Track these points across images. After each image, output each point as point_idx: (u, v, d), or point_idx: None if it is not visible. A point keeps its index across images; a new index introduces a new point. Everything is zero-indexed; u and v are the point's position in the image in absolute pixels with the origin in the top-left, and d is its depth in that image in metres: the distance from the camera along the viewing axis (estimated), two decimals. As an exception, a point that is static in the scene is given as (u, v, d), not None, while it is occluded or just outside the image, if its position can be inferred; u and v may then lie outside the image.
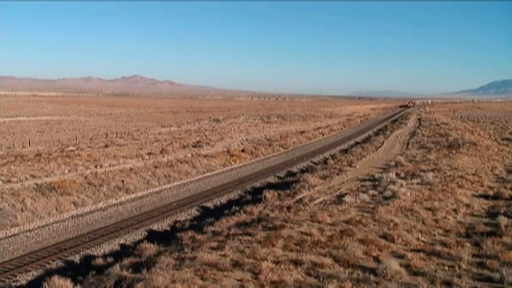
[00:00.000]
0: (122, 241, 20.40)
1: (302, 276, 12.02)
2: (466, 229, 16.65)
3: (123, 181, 29.73)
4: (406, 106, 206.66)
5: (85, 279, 13.79)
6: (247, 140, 54.49)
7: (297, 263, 12.80)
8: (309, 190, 24.56)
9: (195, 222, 22.33)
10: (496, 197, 21.98)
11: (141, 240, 19.51)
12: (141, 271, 12.60)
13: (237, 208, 22.75)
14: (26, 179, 27.67)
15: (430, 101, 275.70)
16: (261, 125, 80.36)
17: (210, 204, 26.96)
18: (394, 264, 12.51)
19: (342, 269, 12.44)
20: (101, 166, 32.81)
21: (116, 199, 26.82)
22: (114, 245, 19.95)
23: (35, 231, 20.82)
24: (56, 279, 13.23)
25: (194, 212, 25.46)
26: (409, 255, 13.68)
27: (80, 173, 29.89)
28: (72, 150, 41.64)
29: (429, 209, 19.13)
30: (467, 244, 14.85)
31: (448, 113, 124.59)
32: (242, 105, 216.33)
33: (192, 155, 40.15)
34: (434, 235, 15.97)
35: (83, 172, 30.30)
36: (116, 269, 13.87)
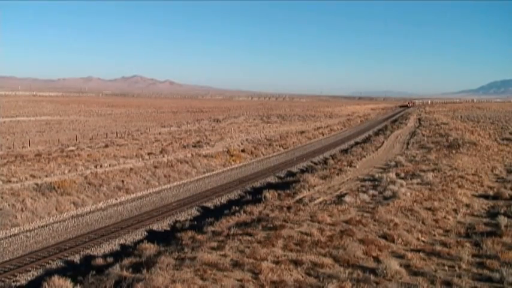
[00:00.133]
0: (122, 241, 20.40)
1: (302, 276, 12.02)
2: (466, 229, 16.65)
3: (123, 181, 29.73)
4: (406, 106, 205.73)
5: (85, 279, 13.79)
6: (247, 140, 54.49)
7: (297, 263, 12.80)
8: (309, 190, 24.56)
9: (195, 222, 22.33)
10: (496, 197, 21.98)
11: (141, 240, 19.51)
12: (141, 271, 12.59)
13: (237, 208, 22.75)
14: (26, 179, 27.67)
15: (429, 101, 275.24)
16: (261, 125, 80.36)
17: (210, 204, 26.96)
18: (394, 264, 12.51)
19: (342, 269, 12.43)
20: (101, 166, 32.81)
21: (116, 199, 26.82)
22: (114, 245, 19.95)
23: (35, 231, 20.82)
24: (56, 279, 13.24)
25: (194, 212, 25.47)
26: (409, 255, 13.68)
27: (80, 173, 29.89)
28: (72, 150, 41.64)
29: (429, 209, 19.13)
30: (467, 244, 14.85)
31: (448, 113, 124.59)
32: (242, 105, 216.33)
33: (192, 155, 40.15)
34: (434, 235, 15.97)
35: (83, 172, 30.31)
36: (116, 269, 13.87)
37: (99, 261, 17.17)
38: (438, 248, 14.34)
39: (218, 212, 23.95)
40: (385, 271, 12.16)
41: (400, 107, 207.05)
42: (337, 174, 29.58)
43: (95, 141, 52.74)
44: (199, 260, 13.05)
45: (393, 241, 15.01)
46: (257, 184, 32.58)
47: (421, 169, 29.18)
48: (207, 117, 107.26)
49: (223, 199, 28.23)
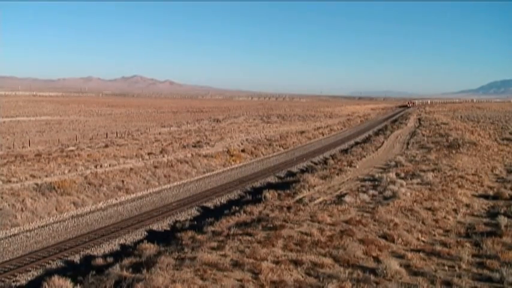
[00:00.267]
0: (122, 241, 20.40)
1: (302, 276, 12.02)
2: (466, 229, 16.65)
3: (123, 181, 29.73)
4: (406, 106, 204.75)
5: (85, 279, 13.79)
6: (247, 140, 54.49)
7: (297, 263, 12.80)
8: (309, 190, 24.56)
9: (195, 222, 22.33)
10: (496, 197, 21.98)
11: (141, 240, 19.51)
12: (141, 271, 12.59)
13: (237, 208, 22.75)
14: (26, 179, 27.67)
15: (429, 101, 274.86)
16: (261, 125, 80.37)
17: (210, 204, 26.96)
18: (394, 264, 12.51)
19: (342, 269, 12.43)
20: (101, 166, 32.81)
21: (116, 199, 26.82)
22: (114, 245, 19.95)
23: (35, 231, 20.82)
24: (56, 279, 13.23)
25: (194, 212, 25.47)
26: (409, 255, 13.68)
27: (80, 173, 29.89)
28: (72, 150, 41.64)
29: (429, 209, 19.13)
30: (467, 244, 14.85)
31: (448, 113, 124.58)
32: (242, 105, 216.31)
33: (192, 155, 40.15)
34: (434, 235, 15.97)
35: (83, 172, 30.31)
36: (116, 269, 13.87)
37: (99, 261, 17.17)
38: (438, 248, 14.33)
39: (218, 212, 23.95)
40: (385, 271, 12.16)
41: (399, 107, 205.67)
42: (337, 174, 29.58)
43: (95, 141, 52.75)
44: (199, 260, 13.05)
45: (393, 241, 15.01)
46: (257, 184, 32.58)
47: (421, 169, 29.18)
48: (207, 117, 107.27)
49: (223, 199, 28.23)
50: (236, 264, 12.69)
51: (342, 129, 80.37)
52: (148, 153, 39.84)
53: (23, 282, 16.11)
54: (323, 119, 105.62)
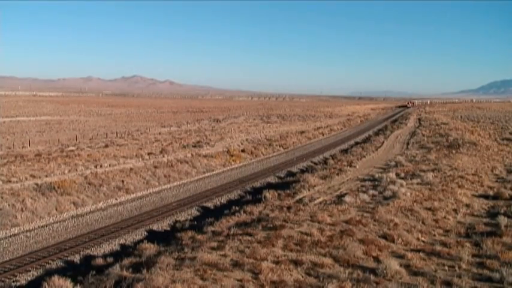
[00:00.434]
0: (122, 241, 20.40)
1: (302, 276, 12.02)
2: (466, 229, 16.65)
3: (123, 181, 29.73)
4: (405, 106, 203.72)
5: (85, 279, 13.79)
6: (247, 140, 54.49)
7: (297, 263, 12.80)
8: (309, 190, 24.56)
9: (195, 222, 22.33)
10: (496, 197, 21.98)
11: (141, 240, 19.51)
12: (141, 271, 12.59)
13: (237, 208, 22.76)
14: (26, 179, 27.67)
15: (429, 101, 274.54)
16: (261, 125, 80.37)
17: (210, 204, 26.96)
18: (394, 264, 12.51)
19: (342, 269, 12.43)
20: (101, 166, 32.81)
21: (116, 199, 26.82)
22: (114, 245, 19.96)
23: (35, 231, 20.82)
24: (56, 279, 13.23)
25: (194, 212, 25.47)
26: (409, 255, 13.68)
27: (80, 173, 29.89)
28: (72, 150, 41.64)
29: (429, 209, 19.13)
30: (467, 244, 14.84)
31: (448, 113, 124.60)
32: (242, 105, 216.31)
33: (192, 155, 40.15)
34: (434, 235, 15.97)
35: (83, 172, 30.31)
36: (116, 269, 13.87)
37: (99, 261, 17.17)
38: (438, 248, 14.33)
39: (218, 212, 23.95)
40: (385, 271, 12.16)
41: (399, 107, 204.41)
42: (337, 174, 29.58)
43: (95, 141, 52.75)
44: (199, 260, 13.05)
45: (393, 241, 15.00)
46: (257, 184, 32.58)
47: (421, 169, 29.18)
48: (207, 117, 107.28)
49: (223, 199, 28.23)
50: (236, 264, 12.69)
51: (342, 129, 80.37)
52: (148, 153, 39.85)
53: (23, 282, 16.11)
54: (323, 119, 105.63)
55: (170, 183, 31.57)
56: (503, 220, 17.23)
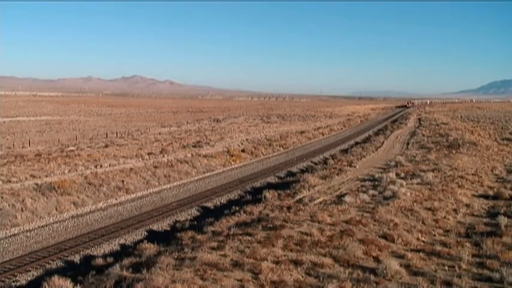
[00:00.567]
0: (122, 241, 20.40)
1: (302, 276, 12.02)
2: (466, 229, 16.65)
3: (123, 181, 29.73)
4: (405, 106, 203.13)
5: (85, 279, 13.79)
6: (247, 140, 54.49)
7: (297, 263, 12.80)
8: (309, 190, 24.57)
9: (195, 222, 22.33)
10: (496, 197, 21.98)
11: (141, 240, 19.51)
12: (141, 271, 12.59)
13: (237, 208, 22.76)
14: (26, 179, 27.67)
15: (428, 101, 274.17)
16: (261, 125, 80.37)
17: (210, 204, 26.96)
18: (394, 264, 12.51)
19: (342, 269, 12.43)
20: (101, 166, 32.81)
21: (116, 199, 26.82)
22: (114, 245, 19.96)
23: (35, 231, 20.82)
24: (56, 279, 13.23)
25: (194, 212, 25.47)
26: (409, 255, 13.68)
27: (80, 173, 29.89)
28: (72, 150, 41.64)
29: (429, 209, 19.13)
30: (467, 244, 14.85)
31: (448, 113, 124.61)
32: (242, 105, 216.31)
33: (192, 155, 40.15)
34: (434, 235, 15.97)
35: (83, 172, 30.31)
36: (116, 269, 13.87)
37: (99, 261, 17.17)
38: (438, 248, 14.33)
39: (218, 212, 23.95)
40: (385, 271, 12.16)
41: (398, 107, 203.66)
42: (337, 174, 29.59)
43: (95, 141, 52.76)
44: (199, 260, 13.05)
45: (393, 241, 15.00)
46: (257, 184, 32.58)
47: (421, 169, 29.19)
48: (207, 117, 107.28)
49: (223, 199, 28.23)
50: (236, 264, 12.69)
51: (342, 129, 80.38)
52: (148, 153, 39.85)
53: (23, 282, 16.11)
54: (323, 119, 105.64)
55: (170, 183, 31.57)
56: (503, 220, 17.24)
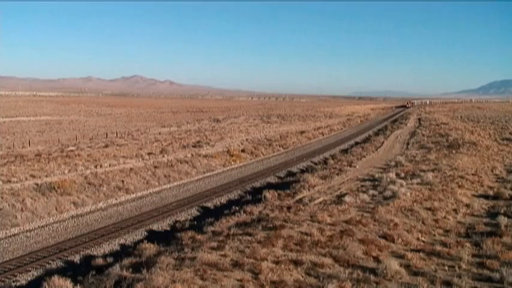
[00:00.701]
0: (122, 241, 20.39)
1: (302, 276, 12.02)
2: (466, 229, 16.66)
3: (123, 181, 29.72)
4: (404, 107, 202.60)
5: (85, 279, 13.79)
6: (247, 140, 54.49)
7: (297, 263, 12.80)
8: (309, 190, 24.57)
9: (195, 222, 22.33)
10: (496, 197, 21.99)
11: (141, 240, 19.49)
12: (141, 271, 12.59)
13: (237, 208, 22.76)
14: (26, 179, 27.67)
15: (428, 101, 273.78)
16: (261, 125, 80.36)
17: (210, 204, 26.95)
18: (394, 264, 12.51)
19: (342, 269, 12.44)
20: (101, 166, 32.81)
21: (116, 199, 26.82)
22: (114, 245, 19.95)
23: (35, 231, 20.82)
24: (56, 279, 13.23)
25: (194, 212, 25.46)
26: (409, 255, 13.69)
27: (80, 173, 29.89)
28: (72, 150, 41.63)
29: (429, 209, 19.14)
30: (467, 244, 14.85)
31: (448, 113, 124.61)
32: (242, 105, 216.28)
33: (192, 155, 40.15)
34: (434, 235, 15.98)
35: (83, 172, 30.30)
36: (116, 269, 13.87)
37: (99, 261, 17.17)
38: (438, 248, 14.34)
39: (218, 212, 23.94)
40: (385, 271, 12.16)
41: (398, 107, 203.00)
42: (337, 174, 29.59)
43: (94, 141, 52.75)
44: (199, 260, 13.05)
45: (393, 241, 15.01)
46: (257, 184, 32.58)
47: (421, 169, 29.19)
48: (207, 117, 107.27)
49: (223, 199, 28.23)
50: (236, 264, 12.69)
51: (342, 129, 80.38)
52: (148, 153, 39.84)
53: (23, 282, 16.10)
54: (323, 119, 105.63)
55: (170, 183, 31.56)
56: (503, 220, 17.25)
